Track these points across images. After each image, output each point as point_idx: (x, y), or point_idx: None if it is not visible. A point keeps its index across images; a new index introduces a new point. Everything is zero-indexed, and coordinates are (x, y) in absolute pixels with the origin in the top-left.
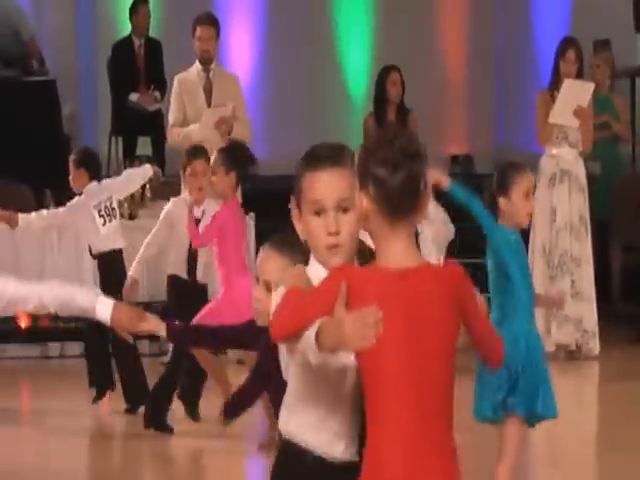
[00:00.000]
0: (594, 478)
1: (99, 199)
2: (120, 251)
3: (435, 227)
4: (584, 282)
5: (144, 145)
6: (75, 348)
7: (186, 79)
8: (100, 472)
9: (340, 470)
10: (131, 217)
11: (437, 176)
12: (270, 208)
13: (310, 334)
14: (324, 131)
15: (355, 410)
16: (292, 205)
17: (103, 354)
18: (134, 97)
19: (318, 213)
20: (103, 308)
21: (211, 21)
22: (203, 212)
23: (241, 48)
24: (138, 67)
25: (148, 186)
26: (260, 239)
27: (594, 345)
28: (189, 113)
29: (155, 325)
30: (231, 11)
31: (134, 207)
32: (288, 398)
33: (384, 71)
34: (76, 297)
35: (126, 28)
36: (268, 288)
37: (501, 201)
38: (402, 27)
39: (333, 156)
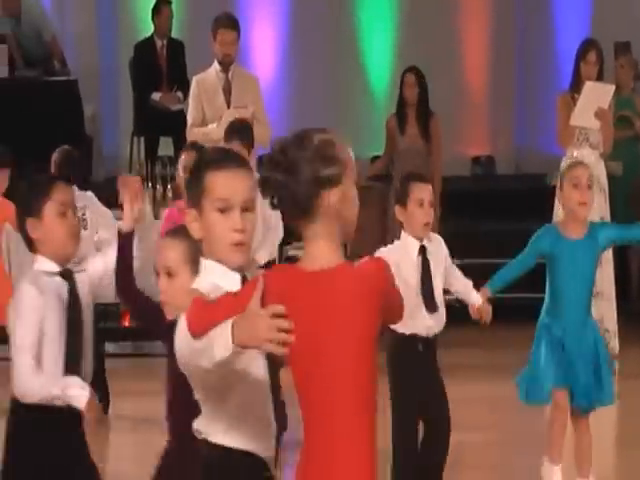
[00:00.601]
0: (613, 475)
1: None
2: None
3: None
4: (604, 282)
5: (166, 145)
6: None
7: (205, 80)
8: None
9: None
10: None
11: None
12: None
13: (216, 332)
14: (346, 131)
15: (269, 404)
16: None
17: None
18: (156, 96)
19: (222, 211)
20: None
21: (233, 24)
22: None
23: (263, 46)
24: (160, 67)
25: (170, 186)
26: (284, 239)
27: (614, 344)
28: (208, 113)
29: None
30: (253, 9)
31: (156, 207)
32: (202, 406)
33: (402, 73)
34: None
35: (148, 29)
36: (170, 274)
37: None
38: (425, 26)
39: (237, 158)
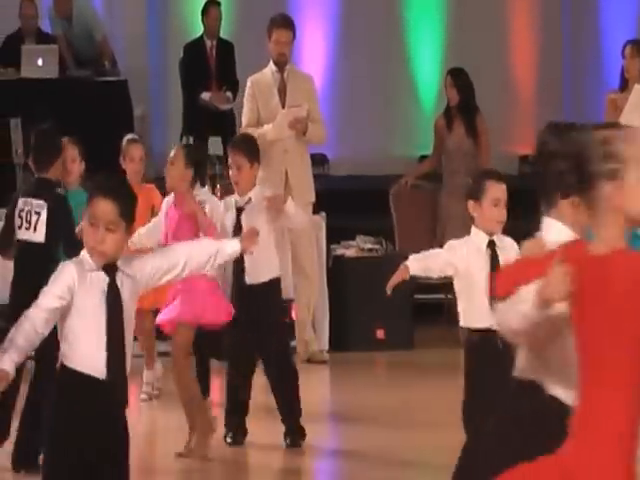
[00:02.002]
0: None
1: None
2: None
3: None
4: None
5: (215, 145)
6: None
7: (260, 80)
8: None
9: None
10: None
11: None
12: (341, 207)
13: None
14: (394, 132)
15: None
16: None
17: None
18: (206, 96)
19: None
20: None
21: (288, 24)
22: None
23: (314, 48)
24: (210, 68)
25: (219, 185)
26: (331, 238)
27: None
28: (263, 114)
29: None
30: (304, 11)
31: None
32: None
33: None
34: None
35: (197, 29)
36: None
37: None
38: (472, 26)
39: None
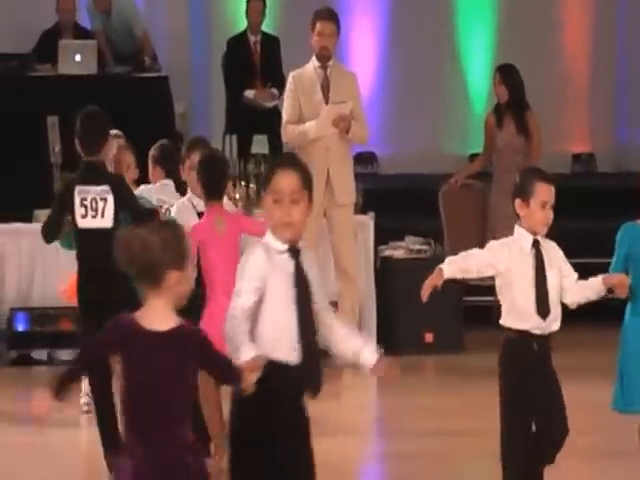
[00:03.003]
0: None
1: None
2: None
3: None
4: None
5: (260, 143)
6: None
7: (302, 76)
8: None
9: None
10: None
11: None
12: (391, 207)
13: None
14: (444, 130)
15: None
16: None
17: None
18: (250, 93)
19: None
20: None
21: (332, 17)
22: None
23: (362, 45)
24: (254, 63)
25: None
26: (379, 239)
27: None
28: (305, 111)
29: None
30: (353, 6)
31: (248, 207)
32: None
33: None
34: None
35: (241, 24)
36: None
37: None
38: (523, 23)
39: None
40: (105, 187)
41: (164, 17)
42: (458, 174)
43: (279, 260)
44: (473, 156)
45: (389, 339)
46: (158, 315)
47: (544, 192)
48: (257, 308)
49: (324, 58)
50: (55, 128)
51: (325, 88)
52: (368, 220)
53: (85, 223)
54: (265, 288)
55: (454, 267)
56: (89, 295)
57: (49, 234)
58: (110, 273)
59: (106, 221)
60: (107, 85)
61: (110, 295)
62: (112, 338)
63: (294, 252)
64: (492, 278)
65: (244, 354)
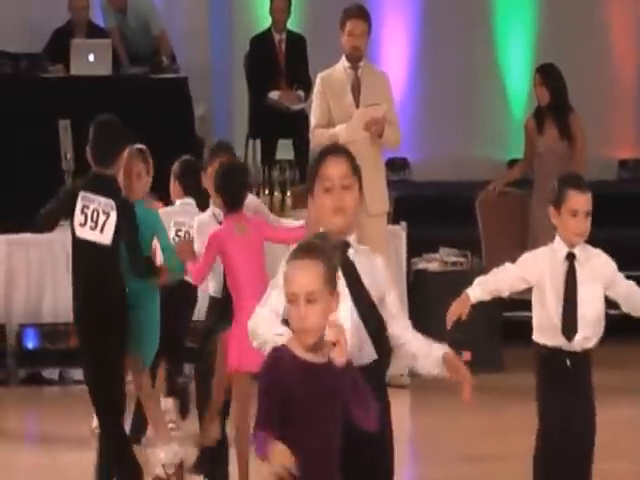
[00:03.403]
0: None
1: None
2: None
3: None
4: None
5: (285, 148)
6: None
7: (331, 77)
8: None
9: None
10: None
11: None
12: (424, 216)
13: None
14: (481, 135)
15: None
16: None
17: None
18: (275, 95)
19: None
20: None
21: (363, 15)
22: None
23: (392, 44)
24: (279, 64)
25: (289, 192)
26: (411, 250)
27: None
28: (334, 114)
29: None
30: (381, 4)
31: (274, 215)
32: None
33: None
34: None
35: (265, 22)
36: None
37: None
38: (565, 22)
39: None
40: (110, 201)
41: (183, 14)
42: (496, 181)
43: None
44: (512, 162)
45: None
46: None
47: (575, 200)
48: None
49: (355, 59)
50: (67, 133)
51: (356, 89)
52: (400, 230)
53: (83, 233)
54: None
55: (482, 289)
56: (85, 313)
57: (44, 224)
58: (104, 290)
59: (104, 237)
60: (122, 87)
61: (104, 314)
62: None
63: (342, 246)
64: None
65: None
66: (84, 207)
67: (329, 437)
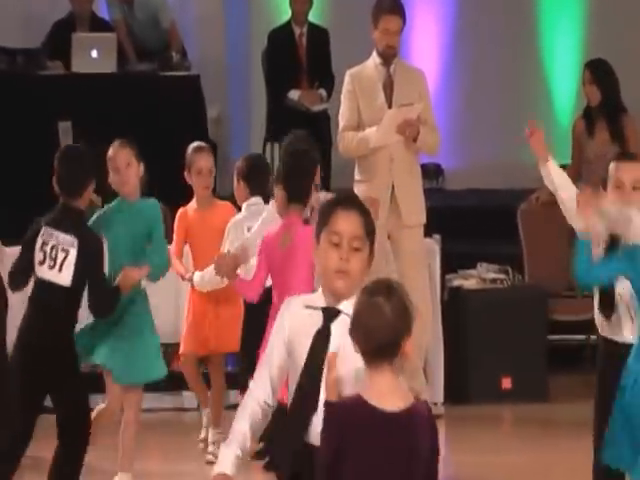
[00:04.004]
0: None
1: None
2: None
3: None
4: None
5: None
6: None
7: (361, 74)
8: None
9: None
10: None
11: None
12: (458, 228)
13: None
14: (523, 138)
15: None
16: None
17: None
18: (295, 95)
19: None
20: None
21: (399, 10)
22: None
23: (425, 41)
24: (299, 60)
25: None
26: (446, 266)
27: None
28: (365, 115)
29: None
30: None
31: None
32: None
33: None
34: None
35: (285, 14)
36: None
37: None
38: (617, 16)
39: None
40: (71, 238)
41: (195, 6)
42: (540, 190)
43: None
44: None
45: (459, 385)
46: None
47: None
48: None
49: (389, 57)
50: (68, 135)
51: (388, 88)
52: (433, 244)
53: (41, 272)
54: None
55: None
56: (31, 347)
57: (14, 282)
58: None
59: (64, 278)
60: (128, 85)
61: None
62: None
63: (329, 314)
64: (585, 312)
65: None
66: (43, 244)
67: None
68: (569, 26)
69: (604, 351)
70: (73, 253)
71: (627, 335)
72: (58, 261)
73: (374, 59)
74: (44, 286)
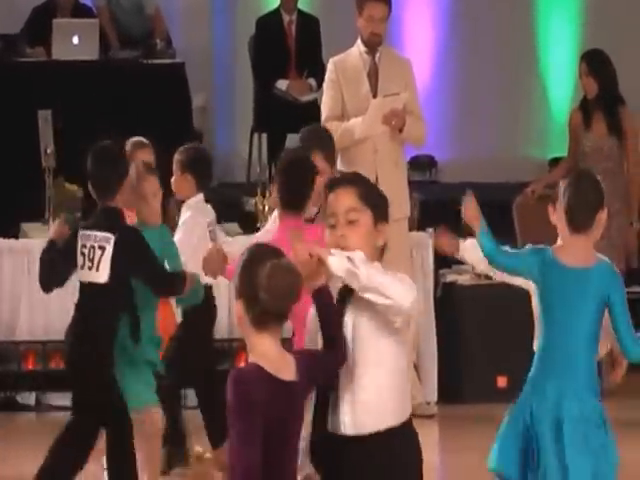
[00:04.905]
0: None
1: (210, 218)
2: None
3: None
4: None
5: (294, 144)
6: None
7: (345, 62)
8: None
9: None
10: None
11: None
12: (451, 221)
13: None
14: (518, 131)
15: None
16: None
17: None
18: (283, 85)
19: None
20: None
21: None
22: None
23: (417, 28)
24: (288, 48)
25: None
26: (441, 261)
27: None
28: (349, 105)
29: None
30: None
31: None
32: None
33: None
34: None
35: (273, 1)
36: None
37: None
38: (614, 5)
39: None
40: (107, 234)
41: None
42: (536, 183)
43: None
44: (554, 161)
45: (453, 384)
46: None
47: None
48: None
49: (374, 46)
50: (48, 124)
51: (373, 77)
52: (426, 238)
53: (82, 275)
54: None
55: None
56: (80, 355)
57: (48, 281)
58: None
59: (100, 275)
60: (111, 73)
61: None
62: None
63: (342, 297)
64: None
65: None
66: (82, 247)
67: None
68: (565, 16)
69: None
70: (109, 249)
71: None
72: (95, 260)
73: (359, 47)
74: (86, 290)
